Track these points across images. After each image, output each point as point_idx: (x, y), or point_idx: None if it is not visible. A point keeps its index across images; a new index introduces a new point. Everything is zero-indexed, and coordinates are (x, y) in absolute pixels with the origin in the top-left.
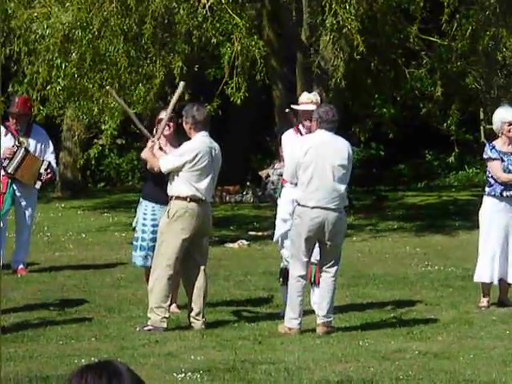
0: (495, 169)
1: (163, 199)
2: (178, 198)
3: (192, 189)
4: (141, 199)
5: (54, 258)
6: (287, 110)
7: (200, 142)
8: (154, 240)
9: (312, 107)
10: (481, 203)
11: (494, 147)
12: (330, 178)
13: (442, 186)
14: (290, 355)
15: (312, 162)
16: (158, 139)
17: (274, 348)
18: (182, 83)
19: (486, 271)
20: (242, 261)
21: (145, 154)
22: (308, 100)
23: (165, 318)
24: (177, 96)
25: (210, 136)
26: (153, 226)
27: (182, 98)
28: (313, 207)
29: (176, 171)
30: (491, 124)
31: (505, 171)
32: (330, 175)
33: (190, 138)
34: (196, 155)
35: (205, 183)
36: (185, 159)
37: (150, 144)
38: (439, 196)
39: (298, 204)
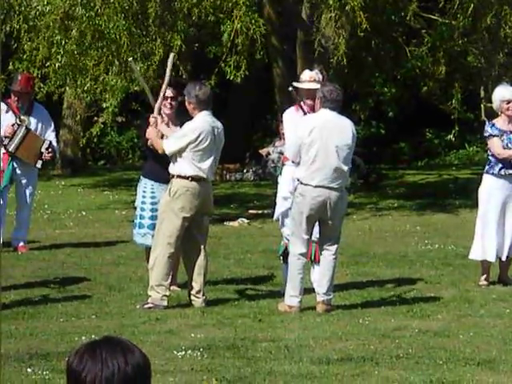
0: (495, 146)
1: (163, 177)
2: (179, 176)
3: (194, 168)
4: (141, 177)
5: (55, 235)
6: (290, 89)
7: (203, 121)
8: (153, 218)
9: (315, 86)
10: (481, 181)
11: (493, 125)
12: (333, 157)
13: (442, 165)
14: (290, 333)
15: (316, 141)
16: (160, 115)
17: (274, 326)
18: (171, 54)
19: (481, 249)
20: (242, 239)
21: (149, 134)
22: (310, 78)
23: (165, 296)
24: (169, 68)
25: (212, 114)
26: (152, 204)
27: (179, 75)
28: (315, 186)
29: (180, 152)
30: (492, 102)
31: (504, 149)
32: (334, 154)
33: (192, 117)
34: (199, 135)
35: (207, 163)
36: (188, 139)
37: (152, 120)
38: (440, 174)
39: (301, 182)
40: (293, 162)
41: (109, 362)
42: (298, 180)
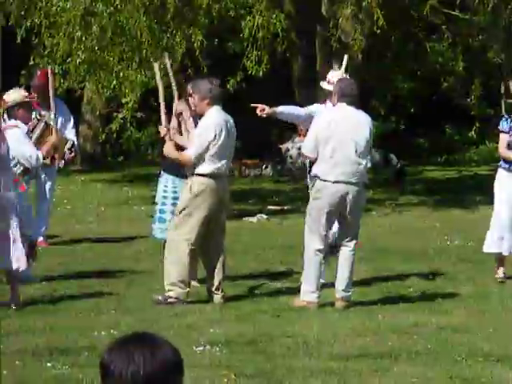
0: (500, 142)
1: (184, 172)
2: (198, 174)
3: (212, 166)
4: (162, 172)
5: (74, 230)
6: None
7: (217, 116)
8: (174, 213)
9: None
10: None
11: (507, 120)
12: (351, 151)
13: (462, 161)
14: (308, 329)
15: (334, 136)
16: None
17: (292, 322)
18: (165, 54)
19: (493, 241)
20: (260, 235)
21: (169, 152)
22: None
23: (185, 291)
24: (170, 69)
25: (230, 110)
26: (174, 198)
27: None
28: (334, 181)
29: (203, 153)
30: None
31: (510, 148)
32: (352, 149)
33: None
34: (215, 132)
35: (224, 159)
36: (208, 140)
37: (163, 132)
38: (459, 170)
39: (319, 178)
40: (308, 157)
41: (135, 357)
42: (316, 176)
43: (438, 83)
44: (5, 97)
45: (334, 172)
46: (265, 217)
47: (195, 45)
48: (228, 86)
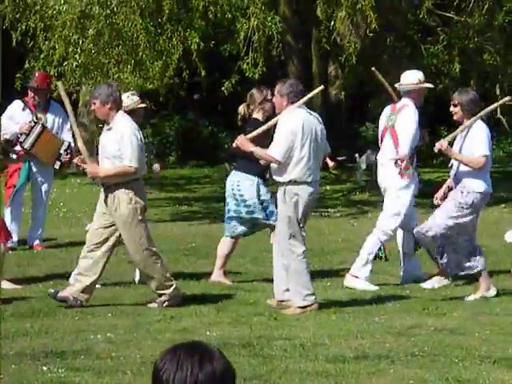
0: None
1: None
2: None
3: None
4: (247, 175)
5: (70, 233)
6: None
7: (126, 122)
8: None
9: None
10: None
11: None
12: (321, 150)
13: None
14: (305, 331)
15: (307, 137)
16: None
17: (289, 324)
18: (59, 84)
19: None
20: (258, 237)
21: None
22: (414, 80)
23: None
24: (65, 97)
25: (225, 114)
26: (261, 201)
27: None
28: (310, 182)
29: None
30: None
31: None
32: (321, 149)
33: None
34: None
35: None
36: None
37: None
38: None
39: (295, 182)
40: (279, 163)
41: (184, 365)
42: (291, 181)
43: (434, 85)
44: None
45: (310, 173)
46: None
47: (192, 47)
48: (223, 89)
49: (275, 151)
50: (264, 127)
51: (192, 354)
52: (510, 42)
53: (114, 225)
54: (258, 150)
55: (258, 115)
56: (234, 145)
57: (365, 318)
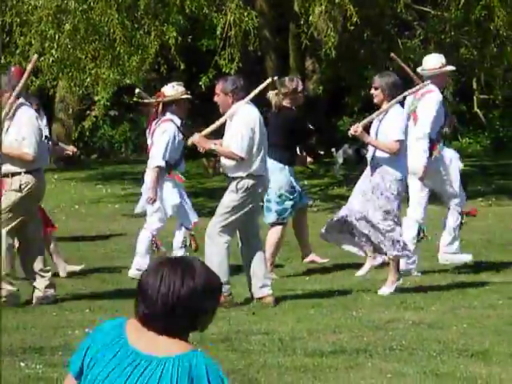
0: None
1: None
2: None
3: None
4: (284, 166)
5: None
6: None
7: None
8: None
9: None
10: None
11: None
12: (266, 143)
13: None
14: (283, 326)
15: (261, 132)
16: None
17: (267, 319)
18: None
19: None
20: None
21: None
22: (437, 64)
23: None
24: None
25: (202, 108)
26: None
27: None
28: (263, 176)
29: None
30: (484, 94)
31: None
32: (266, 140)
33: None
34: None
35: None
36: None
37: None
38: None
39: (252, 176)
40: (242, 159)
41: (166, 281)
42: (248, 175)
43: (411, 80)
44: (163, 89)
45: (262, 166)
46: None
47: (169, 42)
48: (200, 83)
49: (238, 148)
50: (216, 124)
51: (175, 270)
52: (486, 36)
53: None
54: (218, 148)
55: (288, 104)
56: (189, 143)
57: (343, 312)
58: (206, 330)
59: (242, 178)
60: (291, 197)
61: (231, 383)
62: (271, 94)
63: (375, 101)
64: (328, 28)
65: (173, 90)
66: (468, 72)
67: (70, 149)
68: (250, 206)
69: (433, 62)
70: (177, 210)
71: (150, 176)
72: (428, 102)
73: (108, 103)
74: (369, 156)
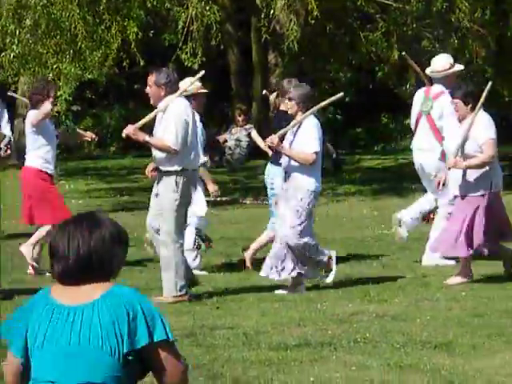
0: None
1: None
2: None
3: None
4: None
5: (11, 226)
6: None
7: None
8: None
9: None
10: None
11: None
12: (200, 138)
13: (398, 149)
14: (248, 320)
15: (194, 126)
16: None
17: (232, 313)
18: None
19: None
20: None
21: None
22: (446, 65)
23: None
24: None
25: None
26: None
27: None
28: (194, 169)
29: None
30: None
31: None
32: (201, 135)
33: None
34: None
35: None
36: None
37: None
38: (396, 159)
39: (186, 170)
40: (176, 152)
41: (74, 236)
42: (182, 169)
43: (374, 72)
44: (181, 84)
45: (196, 160)
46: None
47: (130, 37)
48: None
49: (172, 140)
50: (150, 116)
51: (80, 224)
52: (447, 28)
53: None
54: (152, 140)
55: (285, 107)
56: (123, 135)
57: (307, 305)
58: (117, 276)
59: (176, 172)
60: None
61: (196, 378)
62: (272, 96)
63: (289, 112)
64: (290, 22)
65: (190, 84)
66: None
67: (89, 135)
68: (189, 200)
69: (441, 63)
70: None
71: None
72: (442, 105)
73: (70, 98)
74: (283, 167)
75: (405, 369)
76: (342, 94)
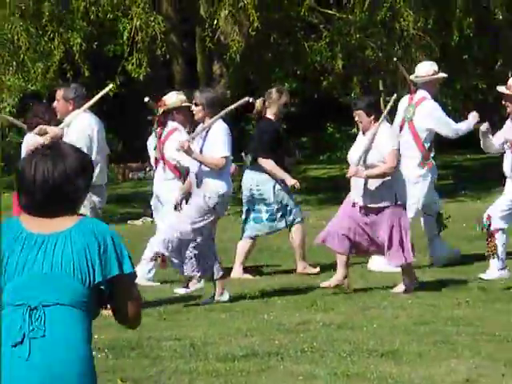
0: None
1: None
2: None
3: None
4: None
5: None
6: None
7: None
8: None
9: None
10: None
11: None
12: (106, 152)
13: (343, 159)
14: (195, 331)
15: (101, 141)
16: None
17: (179, 324)
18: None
19: None
20: (145, 238)
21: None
22: (429, 71)
23: None
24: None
25: (111, 114)
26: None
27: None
28: (103, 186)
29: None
30: (391, 95)
31: None
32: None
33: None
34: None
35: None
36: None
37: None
38: (341, 168)
39: (93, 187)
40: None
41: (40, 168)
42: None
43: (319, 82)
44: (165, 98)
45: (105, 176)
46: (149, 219)
47: (74, 48)
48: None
49: None
50: (54, 131)
51: (45, 157)
52: (391, 37)
53: None
54: None
55: (270, 116)
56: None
57: (254, 315)
58: (80, 205)
59: None
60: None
61: None
62: (258, 101)
63: (196, 118)
64: (234, 32)
65: (174, 98)
66: (374, 73)
67: None
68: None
69: (425, 69)
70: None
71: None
72: (425, 110)
73: (14, 110)
74: (192, 172)
75: (352, 377)
76: (247, 98)
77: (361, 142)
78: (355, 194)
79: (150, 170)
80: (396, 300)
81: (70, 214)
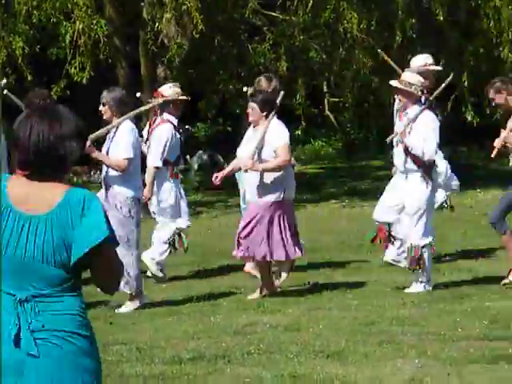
0: None
1: None
2: None
3: None
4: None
5: None
6: None
7: None
8: None
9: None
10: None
11: None
12: None
13: None
14: (141, 335)
15: None
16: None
17: (125, 328)
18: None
19: None
20: None
21: None
22: (421, 63)
23: None
24: None
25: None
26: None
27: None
28: None
29: None
30: (335, 97)
31: None
32: None
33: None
34: None
35: None
36: None
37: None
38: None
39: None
40: None
41: (35, 129)
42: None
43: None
44: (160, 89)
45: None
46: None
47: (16, 52)
48: (52, 94)
49: None
50: None
51: (43, 118)
52: (335, 39)
53: None
54: None
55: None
56: None
57: (200, 318)
58: (70, 171)
59: None
60: None
61: None
62: (249, 90)
63: (104, 117)
64: (177, 35)
65: (170, 90)
66: (318, 75)
67: None
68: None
69: (419, 61)
70: (171, 212)
71: (146, 175)
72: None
73: None
74: (102, 176)
75: (298, 379)
76: (161, 100)
77: (251, 137)
78: (249, 191)
79: (94, 173)
80: (341, 301)
81: (59, 181)
